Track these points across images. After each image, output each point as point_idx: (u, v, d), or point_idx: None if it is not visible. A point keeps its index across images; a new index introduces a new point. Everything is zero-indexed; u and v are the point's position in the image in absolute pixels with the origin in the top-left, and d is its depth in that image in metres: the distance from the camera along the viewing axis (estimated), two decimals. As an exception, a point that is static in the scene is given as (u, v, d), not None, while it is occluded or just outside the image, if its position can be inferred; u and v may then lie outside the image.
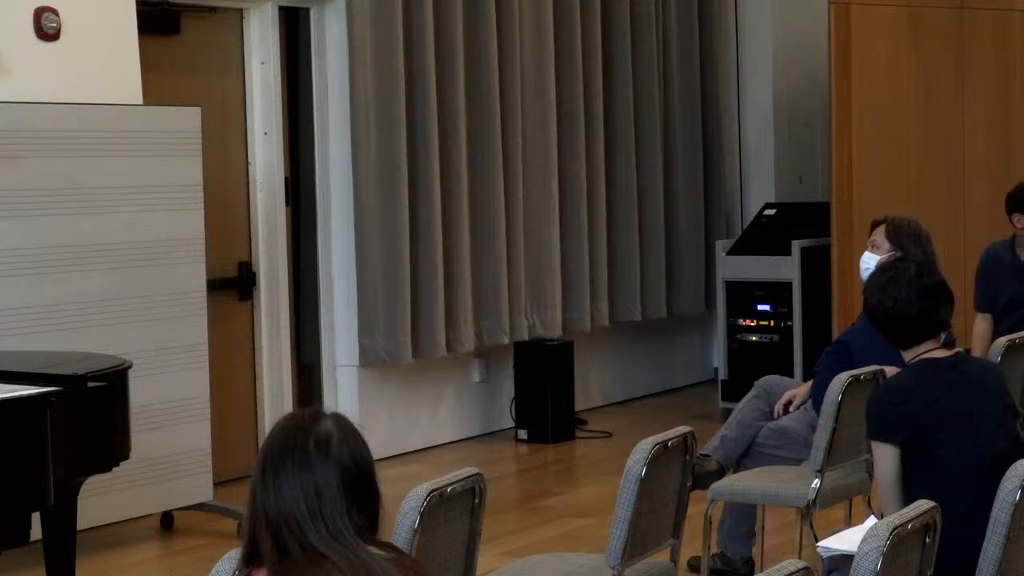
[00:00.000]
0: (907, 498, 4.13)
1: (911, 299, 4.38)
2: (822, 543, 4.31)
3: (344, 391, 8.64)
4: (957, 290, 4.71)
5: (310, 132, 8.62)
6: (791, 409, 6.20)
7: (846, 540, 4.17)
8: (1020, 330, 6.43)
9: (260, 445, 2.72)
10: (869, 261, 6.21)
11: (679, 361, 11.00)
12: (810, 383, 6.24)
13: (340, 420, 2.70)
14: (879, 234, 6.25)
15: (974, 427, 4.30)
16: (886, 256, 6.12)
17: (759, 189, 10.98)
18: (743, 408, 6.28)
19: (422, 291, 8.63)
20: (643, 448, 4.36)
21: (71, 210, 6.62)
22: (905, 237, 6.15)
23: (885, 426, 4.32)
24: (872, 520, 4.31)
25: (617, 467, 4.62)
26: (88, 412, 5.25)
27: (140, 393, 6.04)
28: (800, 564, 3.02)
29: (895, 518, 3.47)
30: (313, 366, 8.75)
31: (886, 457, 4.30)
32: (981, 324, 7.32)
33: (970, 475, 4.20)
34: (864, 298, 4.53)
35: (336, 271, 8.62)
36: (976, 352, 6.80)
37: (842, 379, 5.40)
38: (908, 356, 4.45)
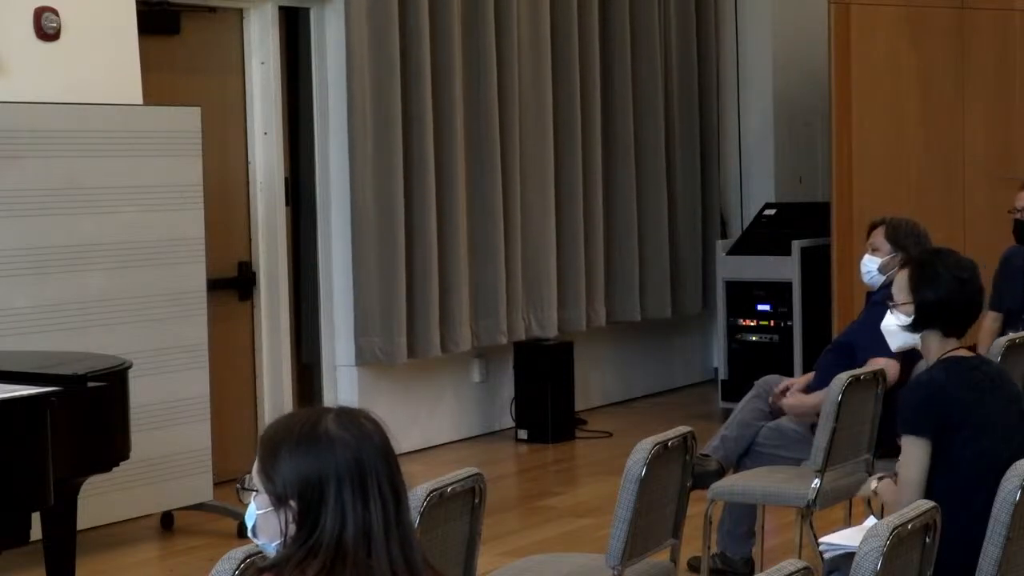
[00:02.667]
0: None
1: (975, 282, 4.36)
2: (824, 539, 4.30)
3: (344, 391, 8.63)
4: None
5: (310, 132, 8.62)
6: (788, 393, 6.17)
7: (848, 537, 4.17)
8: None
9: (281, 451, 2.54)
10: (870, 264, 6.19)
11: (679, 361, 10.99)
12: (810, 375, 6.24)
13: (379, 426, 2.58)
14: (878, 236, 6.22)
15: (992, 428, 4.26)
16: (887, 258, 6.12)
17: (759, 189, 10.97)
18: (743, 408, 6.28)
19: (418, 291, 8.63)
20: (643, 448, 4.36)
21: (71, 210, 6.61)
22: (905, 237, 6.14)
23: (917, 421, 4.25)
24: (872, 520, 4.30)
25: (617, 467, 4.61)
26: (88, 412, 5.25)
27: (140, 393, 6.04)
28: (800, 564, 3.02)
29: (895, 518, 3.46)
30: (313, 366, 8.76)
31: (916, 452, 4.21)
32: (991, 321, 7.29)
33: (984, 476, 4.15)
34: (918, 281, 4.35)
35: (336, 271, 8.61)
36: (981, 346, 6.76)
37: (842, 379, 5.40)
38: (937, 351, 4.40)
